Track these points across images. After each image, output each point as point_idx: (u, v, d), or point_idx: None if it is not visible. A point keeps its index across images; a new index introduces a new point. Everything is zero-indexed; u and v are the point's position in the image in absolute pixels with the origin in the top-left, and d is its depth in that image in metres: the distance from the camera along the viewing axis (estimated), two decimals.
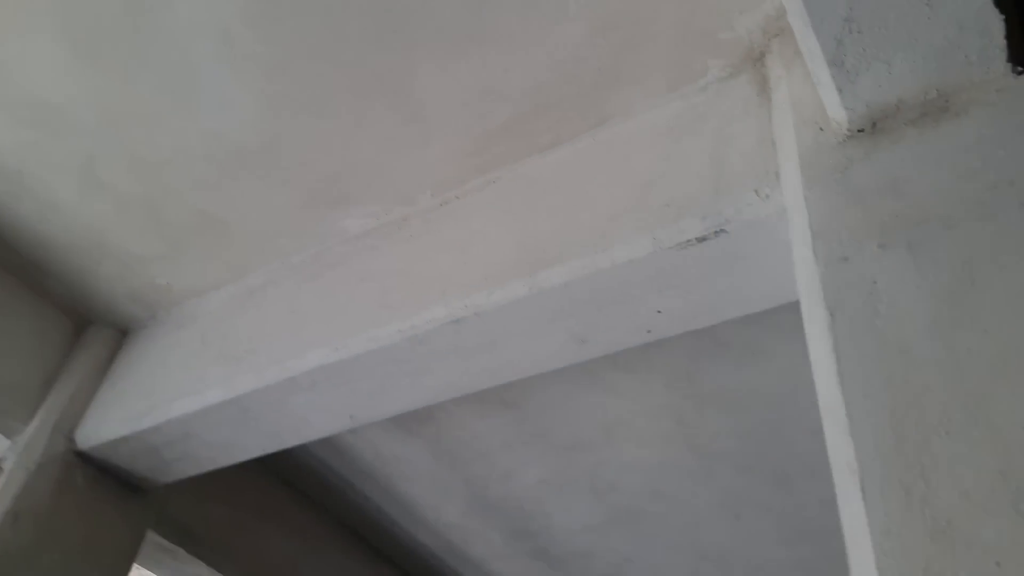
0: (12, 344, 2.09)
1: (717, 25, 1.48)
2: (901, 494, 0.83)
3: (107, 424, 2.02)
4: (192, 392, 1.88)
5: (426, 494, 2.80)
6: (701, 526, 2.82)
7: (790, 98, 1.33)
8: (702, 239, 1.38)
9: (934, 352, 0.92)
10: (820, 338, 1.05)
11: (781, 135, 1.35)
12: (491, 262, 1.56)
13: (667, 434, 2.47)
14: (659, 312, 1.54)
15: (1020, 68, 1.12)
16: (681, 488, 2.67)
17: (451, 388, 1.73)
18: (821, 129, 1.25)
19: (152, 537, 2.27)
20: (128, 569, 2.11)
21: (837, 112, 1.20)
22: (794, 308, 1.27)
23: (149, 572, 2.47)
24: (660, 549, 2.96)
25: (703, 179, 1.42)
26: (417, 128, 1.68)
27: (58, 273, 2.12)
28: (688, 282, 1.46)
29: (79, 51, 1.62)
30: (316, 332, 1.74)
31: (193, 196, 1.88)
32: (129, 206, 1.92)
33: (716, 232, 1.38)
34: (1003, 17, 1.06)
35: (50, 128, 1.77)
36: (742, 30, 1.48)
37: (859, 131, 1.20)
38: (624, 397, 2.37)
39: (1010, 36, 1.09)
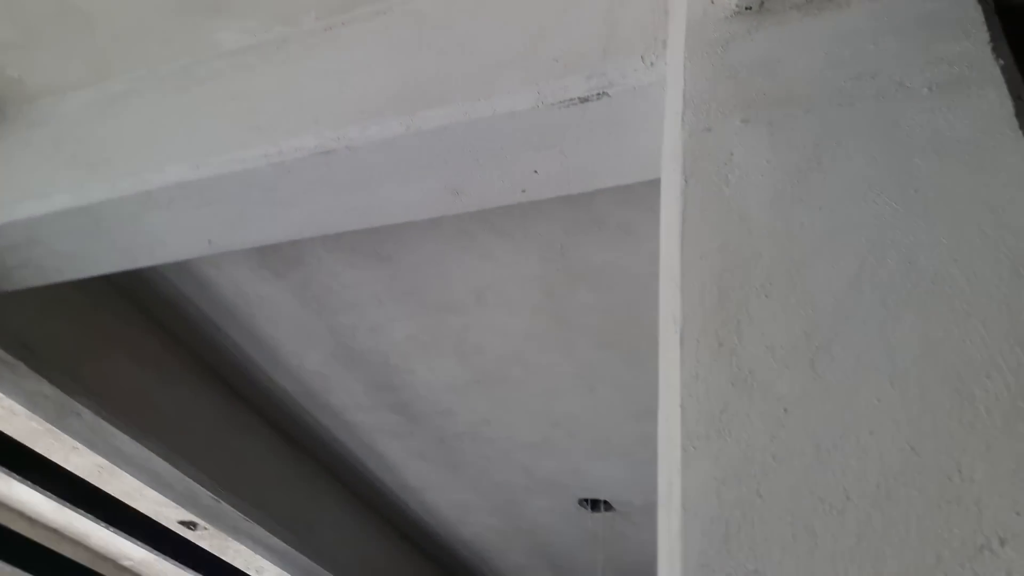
0: None
1: None
2: (714, 344, 0.88)
3: None
4: (40, 195, 1.76)
5: (289, 339, 2.78)
6: (557, 395, 2.95)
7: None
8: (584, 100, 1.38)
9: (770, 223, 0.97)
10: (672, 202, 1.08)
11: (674, 4, 1.33)
12: (369, 96, 1.50)
13: (535, 304, 2.54)
14: (535, 172, 1.54)
15: None
16: (543, 357, 2.77)
17: (317, 224, 1.69)
18: (712, 2, 1.25)
19: None
20: None
21: None
22: None
23: None
24: (517, 413, 3.09)
25: (594, 39, 1.39)
26: None
27: None
28: (566, 143, 1.46)
29: None
30: (178, 147, 1.64)
31: None
32: None
33: (599, 94, 1.37)
34: None
35: None
36: None
37: (747, 8, 1.21)
38: (498, 263, 2.40)
39: None
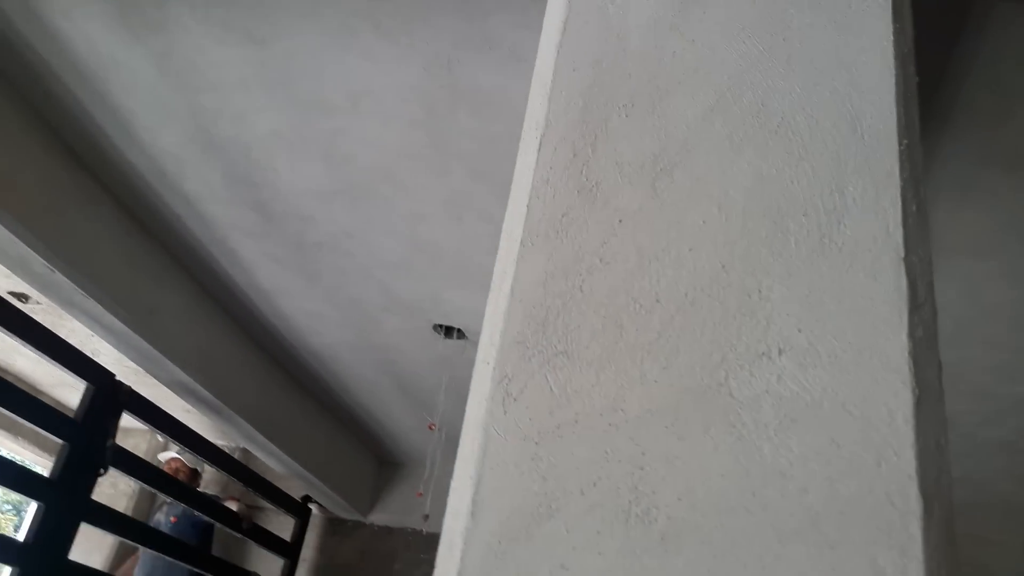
0: None
1: None
2: (570, 155, 0.91)
3: None
4: None
5: (145, 112, 2.59)
6: (425, 219, 2.95)
7: None
8: None
9: (644, 47, 0.98)
10: (557, 10, 1.06)
11: None
12: None
13: (414, 119, 2.47)
14: None
15: None
16: (415, 178, 2.74)
17: None
18: None
19: None
20: None
21: None
22: None
23: None
24: (381, 231, 3.08)
25: None
26: None
27: None
28: None
29: None
30: None
31: None
32: None
33: None
34: None
35: None
36: None
37: None
38: (380, 68, 2.30)
39: None
